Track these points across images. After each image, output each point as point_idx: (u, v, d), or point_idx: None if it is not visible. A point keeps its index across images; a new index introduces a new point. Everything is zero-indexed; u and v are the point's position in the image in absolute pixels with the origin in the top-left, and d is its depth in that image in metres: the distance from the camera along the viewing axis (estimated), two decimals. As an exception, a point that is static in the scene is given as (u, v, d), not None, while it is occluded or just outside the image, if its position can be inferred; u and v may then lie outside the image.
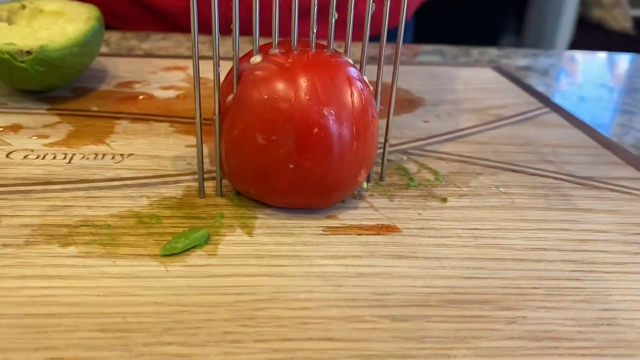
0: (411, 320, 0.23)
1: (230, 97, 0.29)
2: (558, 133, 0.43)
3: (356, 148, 0.29)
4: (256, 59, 0.29)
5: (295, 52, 0.29)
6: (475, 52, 0.69)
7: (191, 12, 0.27)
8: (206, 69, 0.52)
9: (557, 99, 0.55)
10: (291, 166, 0.28)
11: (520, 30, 2.28)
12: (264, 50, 0.30)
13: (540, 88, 0.57)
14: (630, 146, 0.44)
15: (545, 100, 0.50)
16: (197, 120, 0.30)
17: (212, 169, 0.33)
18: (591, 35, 2.34)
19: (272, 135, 0.28)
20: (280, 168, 0.28)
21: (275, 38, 0.29)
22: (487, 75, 0.57)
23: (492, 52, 0.70)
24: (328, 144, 0.28)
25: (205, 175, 0.32)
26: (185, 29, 0.56)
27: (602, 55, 0.75)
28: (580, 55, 0.74)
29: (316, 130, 0.27)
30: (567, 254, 0.28)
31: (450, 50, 0.69)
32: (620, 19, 2.37)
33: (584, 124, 0.45)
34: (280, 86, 0.28)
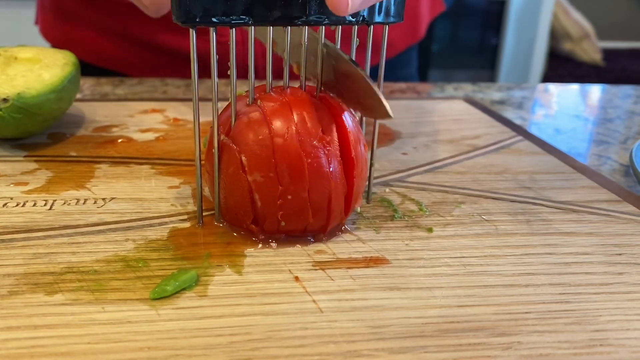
0: (409, 352, 0.23)
1: (223, 137, 0.30)
2: (532, 160, 0.44)
3: (355, 174, 0.30)
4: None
5: (287, 90, 0.30)
6: (450, 87, 0.71)
7: (191, 55, 0.28)
8: (185, 111, 0.52)
9: (533, 131, 0.56)
10: (289, 197, 0.28)
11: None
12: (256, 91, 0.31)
13: (516, 121, 0.58)
14: (608, 176, 0.45)
15: (517, 129, 0.52)
16: (197, 152, 0.30)
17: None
18: (563, 67, 2.41)
19: (270, 172, 0.28)
20: (279, 199, 0.29)
21: (269, 83, 0.30)
22: (459, 107, 0.58)
23: (466, 87, 0.72)
24: (324, 173, 0.28)
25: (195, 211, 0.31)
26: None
27: (574, 86, 0.78)
28: (553, 88, 0.76)
29: (309, 160, 0.28)
30: (554, 277, 0.28)
31: (423, 87, 0.71)
32: (589, 51, 2.46)
33: (557, 150, 0.47)
34: (275, 124, 0.28)
